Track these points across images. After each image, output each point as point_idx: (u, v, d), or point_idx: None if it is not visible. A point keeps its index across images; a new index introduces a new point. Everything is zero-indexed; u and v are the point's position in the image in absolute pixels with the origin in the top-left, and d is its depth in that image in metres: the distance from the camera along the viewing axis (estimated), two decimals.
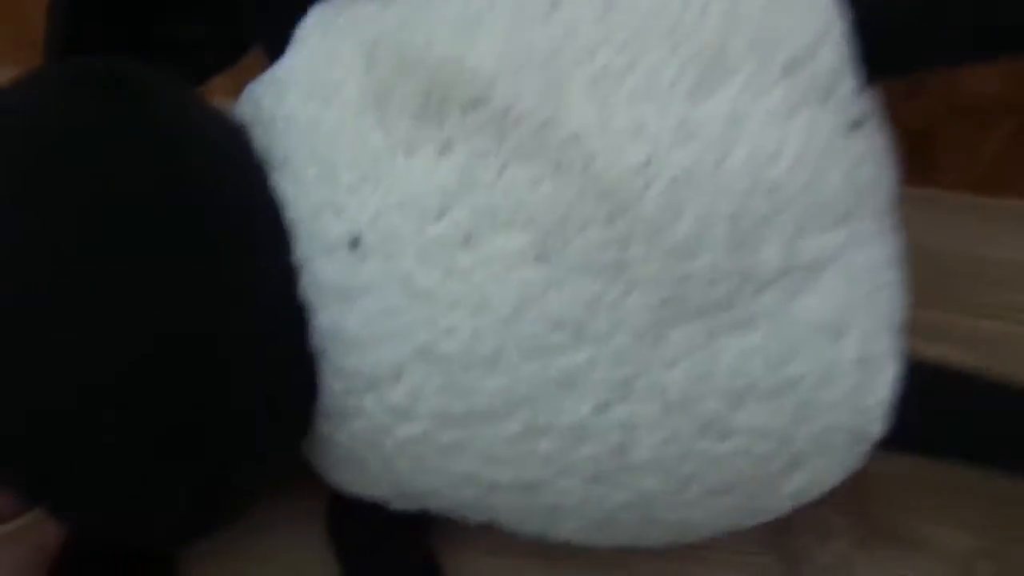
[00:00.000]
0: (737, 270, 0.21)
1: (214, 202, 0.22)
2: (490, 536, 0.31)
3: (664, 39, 0.21)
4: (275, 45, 0.25)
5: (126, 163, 0.21)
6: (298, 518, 0.31)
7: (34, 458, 0.21)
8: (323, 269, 0.23)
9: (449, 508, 0.26)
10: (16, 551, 0.26)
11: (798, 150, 0.21)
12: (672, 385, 0.22)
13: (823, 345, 0.23)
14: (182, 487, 0.22)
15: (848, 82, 0.23)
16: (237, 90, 0.26)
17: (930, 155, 0.39)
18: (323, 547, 0.30)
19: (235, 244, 0.22)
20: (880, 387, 0.23)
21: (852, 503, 0.32)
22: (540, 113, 0.21)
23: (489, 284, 0.22)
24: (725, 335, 0.22)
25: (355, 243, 0.22)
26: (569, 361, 0.22)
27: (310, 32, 0.24)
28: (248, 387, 0.22)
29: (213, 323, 0.21)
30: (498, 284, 0.22)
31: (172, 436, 0.21)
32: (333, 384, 0.24)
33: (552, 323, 0.22)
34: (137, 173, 0.21)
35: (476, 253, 0.22)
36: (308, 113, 0.23)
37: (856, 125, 0.23)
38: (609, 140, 0.21)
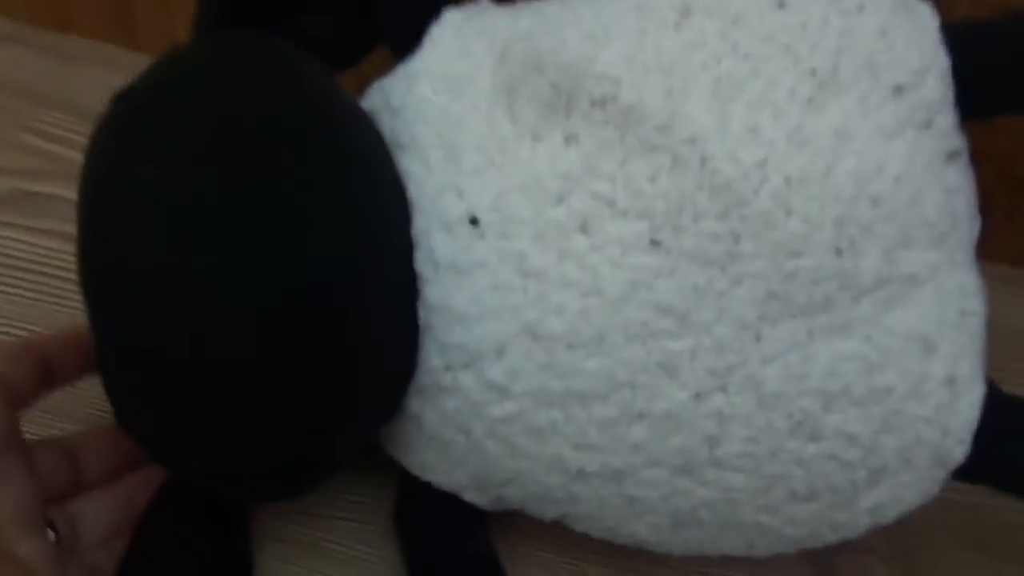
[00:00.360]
0: (839, 274, 0.22)
1: (355, 169, 0.23)
2: (547, 547, 0.31)
3: (784, 54, 0.23)
4: (403, 44, 0.27)
5: (285, 124, 0.22)
6: (359, 510, 0.32)
7: (158, 401, 0.22)
8: (439, 243, 0.24)
9: (526, 499, 0.27)
10: (108, 505, 0.27)
11: (901, 167, 0.23)
12: (768, 380, 0.23)
13: (914, 359, 0.23)
14: (286, 439, 0.23)
15: (947, 114, 0.24)
16: None
17: None
18: (385, 540, 0.30)
19: (368, 209, 0.23)
20: (964, 409, 0.24)
21: (898, 554, 0.32)
22: (662, 113, 0.23)
23: (602, 267, 0.23)
24: (823, 337, 0.23)
25: (474, 221, 0.24)
26: (672, 347, 0.23)
27: (442, 32, 0.26)
28: (363, 349, 0.23)
29: (341, 282, 0.22)
30: (611, 268, 0.23)
31: (286, 386, 0.22)
32: (432, 360, 0.25)
33: (659, 309, 0.23)
34: (295, 134, 0.22)
35: (592, 238, 0.23)
36: (438, 102, 0.25)
37: (952, 156, 0.24)
38: (727, 140, 0.22)
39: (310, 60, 0.25)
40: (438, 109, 0.25)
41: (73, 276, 0.35)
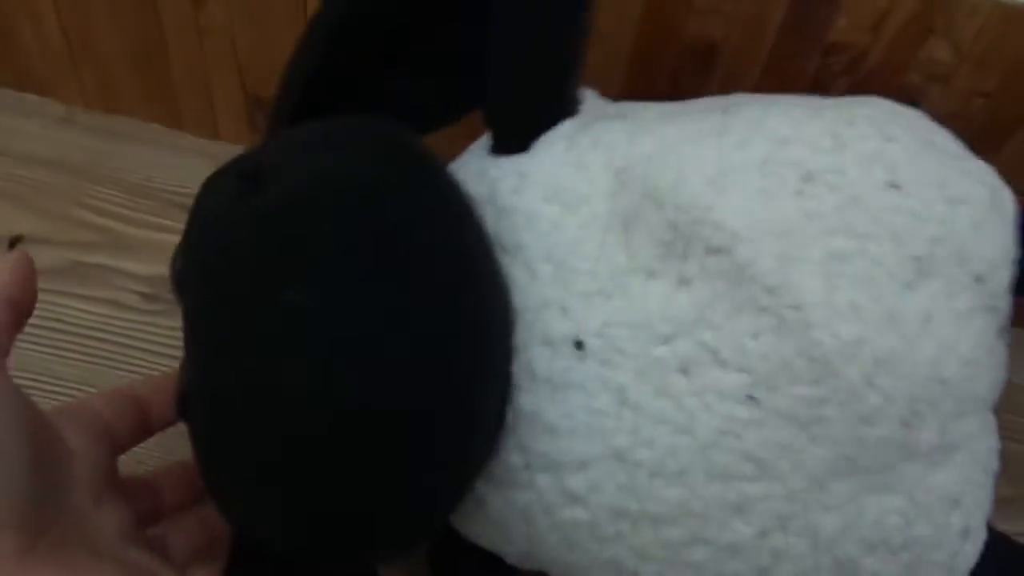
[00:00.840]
0: (901, 443, 0.25)
1: (488, 288, 0.24)
2: None
3: (891, 237, 0.24)
4: (508, 133, 0.27)
5: (434, 249, 0.23)
6: None
7: (294, 511, 0.23)
8: (539, 357, 0.25)
9: None
10: (190, 531, 0.28)
11: (969, 351, 0.25)
12: (825, 527, 0.25)
13: (942, 513, 0.26)
14: (387, 525, 0.24)
15: (1008, 299, 0.26)
16: None
17: None
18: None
19: (494, 327, 0.24)
20: (969, 554, 0.27)
21: None
22: (774, 276, 0.24)
23: (697, 411, 0.24)
24: (876, 493, 0.25)
25: (579, 345, 0.25)
26: (748, 490, 0.25)
27: (556, 139, 0.27)
28: (462, 451, 0.24)
29: (466, 395, 0.23)
30: (705, 412, 0.24)
31: (397, 482, 0.23)
32: (512, 457, 0.26)
33: (744, 456, 0.24)
34: (443, 258, 0.23)
35: (692, 382, 0.24)
36: (550, 214, 0.26)
37: (1002, 332, 0.27)
38: (829, 314, 0.24)
39: (433, 157, 0.25)
40: (549, 222, 0.26)
41: (121, 340, 0.39)
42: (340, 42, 0.27)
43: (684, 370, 0.24)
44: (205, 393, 0.22)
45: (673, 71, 0.38)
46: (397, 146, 0.24)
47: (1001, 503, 0.28)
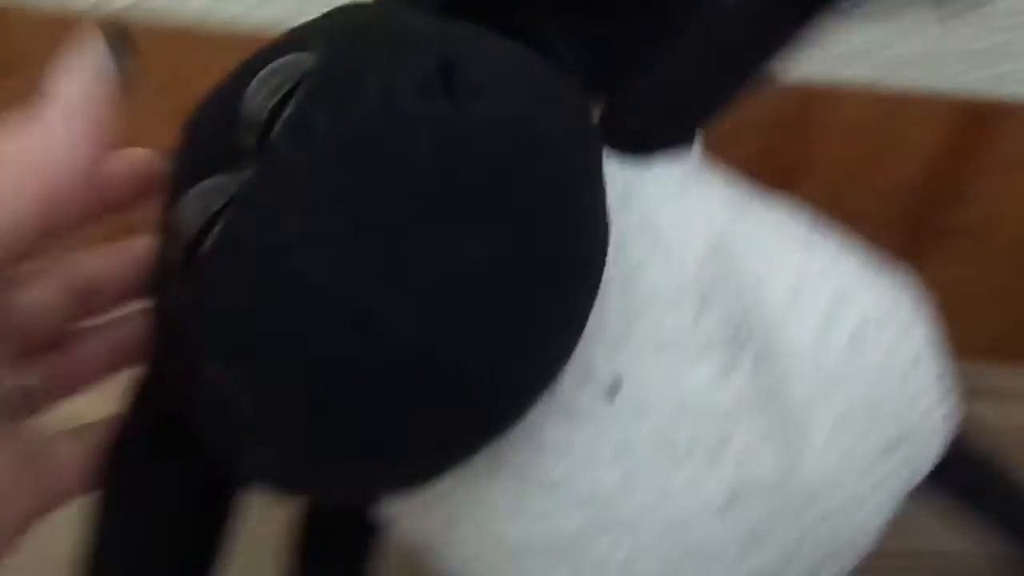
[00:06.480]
0: None
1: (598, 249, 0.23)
2: None
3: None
4: (624, 118, 0.25)
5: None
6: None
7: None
8: (568, 382, 0.24)
9: None
10: None
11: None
12: None
13: None
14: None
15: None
16: None
17: None
18: None
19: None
20: None
21: None
22: (799, 411, 0.25)
23: (679, 495, 0.24)
24: None
25: (613, 389, 0.24)
26: None
27: (669, 174, 0.25)
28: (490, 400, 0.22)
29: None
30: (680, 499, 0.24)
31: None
32: None
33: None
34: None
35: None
36: (641, 246, 0.24)
37: None
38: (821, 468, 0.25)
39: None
40: (638, 254, 0.24)
41: None
42: None
43: (689, 452, 0.25)
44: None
45: None
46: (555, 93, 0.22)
47: None
